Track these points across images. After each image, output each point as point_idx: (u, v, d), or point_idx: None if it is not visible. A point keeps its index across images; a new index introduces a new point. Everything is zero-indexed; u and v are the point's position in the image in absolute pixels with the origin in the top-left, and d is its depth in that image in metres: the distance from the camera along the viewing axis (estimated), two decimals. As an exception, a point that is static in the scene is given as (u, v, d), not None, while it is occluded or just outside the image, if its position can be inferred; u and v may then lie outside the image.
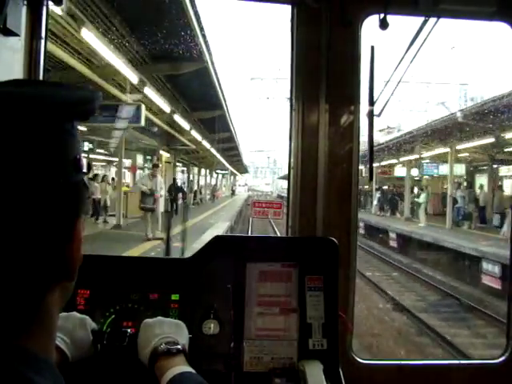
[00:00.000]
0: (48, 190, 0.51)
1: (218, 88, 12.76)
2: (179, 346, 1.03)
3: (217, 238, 1.35)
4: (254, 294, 1.30)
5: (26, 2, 1.36)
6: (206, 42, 8.82)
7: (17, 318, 0.51)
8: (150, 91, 10.38)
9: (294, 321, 1.28)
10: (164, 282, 1.30)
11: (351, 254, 1.71)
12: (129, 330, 1.17)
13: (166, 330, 1.09)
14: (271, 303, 1.30)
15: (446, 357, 6.52)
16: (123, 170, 16.57)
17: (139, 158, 21.35)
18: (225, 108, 15.93)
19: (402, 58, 1.71)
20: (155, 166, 12.89)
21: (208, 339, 1.23)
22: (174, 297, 1.30)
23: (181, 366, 0.97)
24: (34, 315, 0.53)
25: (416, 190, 21.54)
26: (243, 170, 53.62)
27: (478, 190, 20.06)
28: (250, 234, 13.19)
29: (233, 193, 47.79)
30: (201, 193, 30.15)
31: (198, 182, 31.67)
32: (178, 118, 13.61)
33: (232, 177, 52.76)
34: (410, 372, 1.74)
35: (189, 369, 0.97)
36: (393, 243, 16.38)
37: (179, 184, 21.09)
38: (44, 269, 0.52)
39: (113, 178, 18.41)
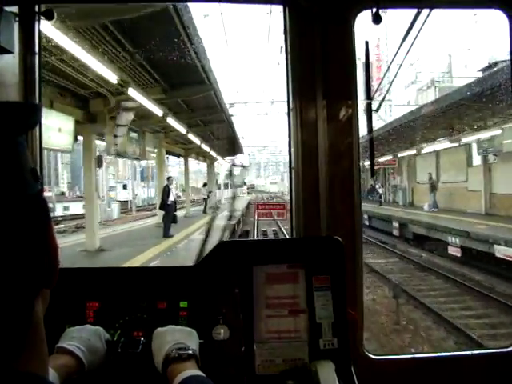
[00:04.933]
0: (17, 202, 0.53)
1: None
2: (190, 352, 1.04)
3: (221, 244, 1.35)
4: (261, 297, 1.30)
5: (17, 19, 1.35)
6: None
7: (12, 334, 0.52)
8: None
9: (304, 321, 1.28)
10: (171, 291, 1.30)
11: (357, 251, 1.71)
12: (142, 339, 1.18)
13: (178, 337, 1.10)
14: (279, 305, 1.29)
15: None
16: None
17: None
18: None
19: (397, 51, 1.70)
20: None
21: (218, 345, 1.24)
22: (183, 304, 1.30)
23: (190, 370, 0.98)
24: (27, 328, 0.53)
25: None
26: (234, 148, 23.42)
27: None
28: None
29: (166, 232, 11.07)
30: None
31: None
32: None
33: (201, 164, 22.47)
34: (422, 365, 1.74)
35: (198, 372, 0.98)
36: None
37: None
38: (27, 279, 0.54)
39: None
